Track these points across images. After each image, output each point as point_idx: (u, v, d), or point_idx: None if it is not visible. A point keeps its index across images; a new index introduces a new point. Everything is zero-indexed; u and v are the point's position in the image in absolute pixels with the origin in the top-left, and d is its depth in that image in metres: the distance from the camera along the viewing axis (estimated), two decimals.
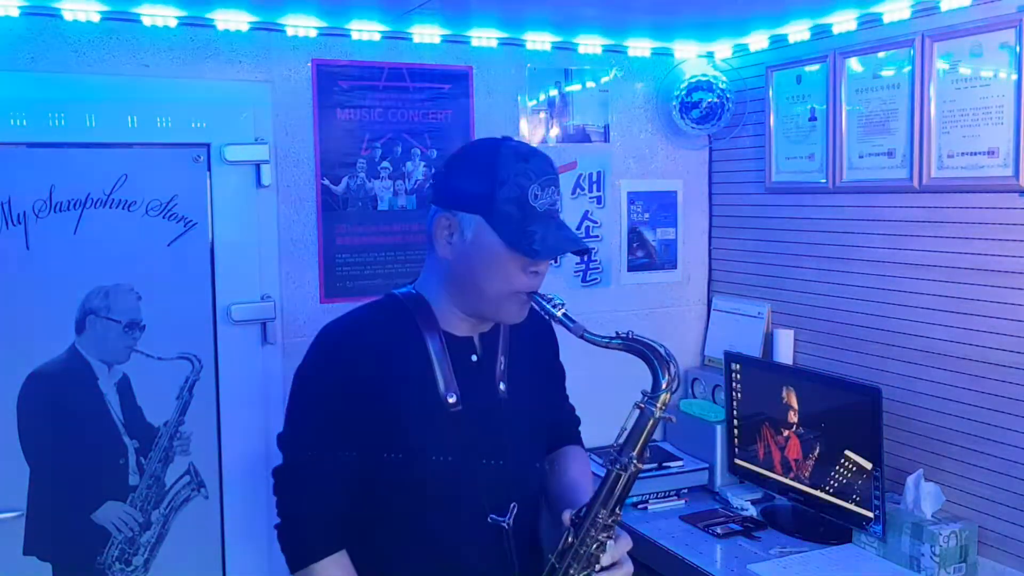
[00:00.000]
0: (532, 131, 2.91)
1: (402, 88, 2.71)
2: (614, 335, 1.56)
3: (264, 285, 2.55)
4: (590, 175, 3.02)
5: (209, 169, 2.46)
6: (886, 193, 2.49)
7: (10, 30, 2.27)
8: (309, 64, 2.59)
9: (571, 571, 1.54)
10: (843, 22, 2.57)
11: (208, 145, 2.45)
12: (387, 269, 2.72)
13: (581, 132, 3.00)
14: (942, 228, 2.35)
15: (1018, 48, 2.11)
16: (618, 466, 1.52)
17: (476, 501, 1.59)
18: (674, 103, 3.00)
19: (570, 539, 1.55)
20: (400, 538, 1.60)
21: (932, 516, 2.25)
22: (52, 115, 2.28)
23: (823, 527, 2.46)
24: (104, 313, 2.37)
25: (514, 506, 1.58)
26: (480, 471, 1.59)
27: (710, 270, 3.24)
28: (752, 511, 2.65)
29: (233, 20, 2.46)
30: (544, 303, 1.56)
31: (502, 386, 1.65)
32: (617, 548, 1.57)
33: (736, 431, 2.78)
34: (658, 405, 1.51)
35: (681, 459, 2.85)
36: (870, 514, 2.30)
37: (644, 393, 1.53)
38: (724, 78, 3.00)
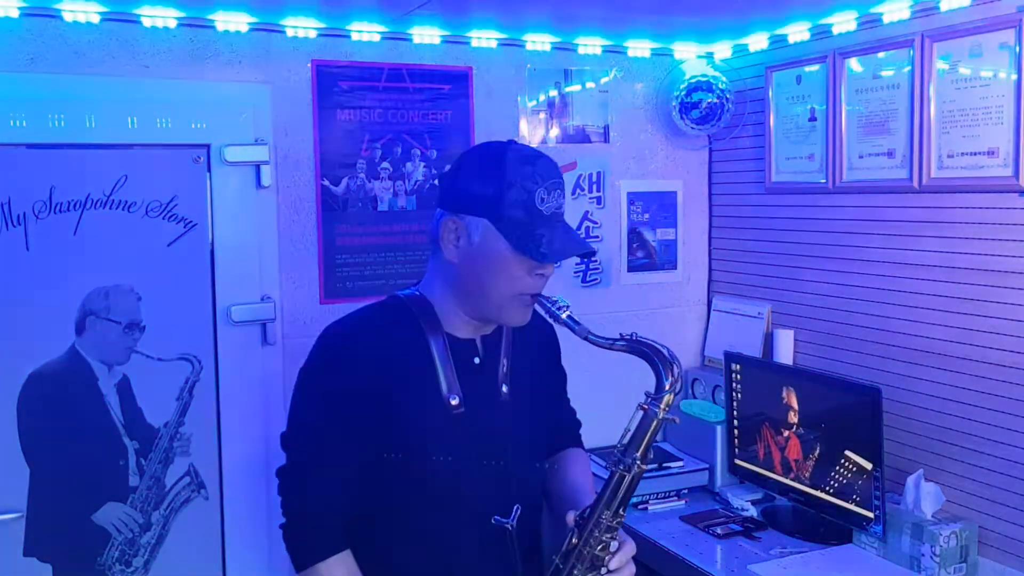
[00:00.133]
0: (532, 132, 2.91)
1: (402, 89, 2.71)
2: (618, 337, 1.57)
3: (264, 286, 2.55)
4: (590, 175, 3.02)
5: (209, 170, 2.46)
6: (886, 193, 2.49)
7: (10, 30, 2.27)
8: (309, 65, 2.59)
9: (575, 572, 1.55)
10: (843, 22, 2.57)
11: (208, 146, 2.45)
12: (387, 270, 2.72)
13: (581, 133, 3.00)
14: (942, 228, 2.35)
15: (1018, 48, 2.11)
16: (622, 467, 1.53)
17: (478, 502, 1.59)
18: (674, 103, 3.00)
19: (574, 540, 1.56)
20: (403, 539, 1.60)
21: (932, 516, 2.25)
22: (52, 116, 2.28)
23: (823, 527, 2.46)
24: (104, 314, 2.37)
25: (517, 507, 1.59)
26: (482, 472, 1.60)
27: (710, 270, 3.24)
28: (752, 511, 2.65)
29: (233, 21, 2.46)
30: (549, 305, 1.57)
31: (504, 388, 1.65)
32: (623, 553, 1.58)
33: (736, 431, 2.78)
34: (662, 406, 1.53)
35: (681, 459, 2.85)
36: (870, 514, 2.30)
37: (648, 394, 1.55)
38: (724, 78, 3.00)
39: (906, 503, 2.29)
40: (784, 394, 2.59)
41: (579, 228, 3.00)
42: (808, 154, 2.74)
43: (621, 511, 1.55)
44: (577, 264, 3.00)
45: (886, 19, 2.44)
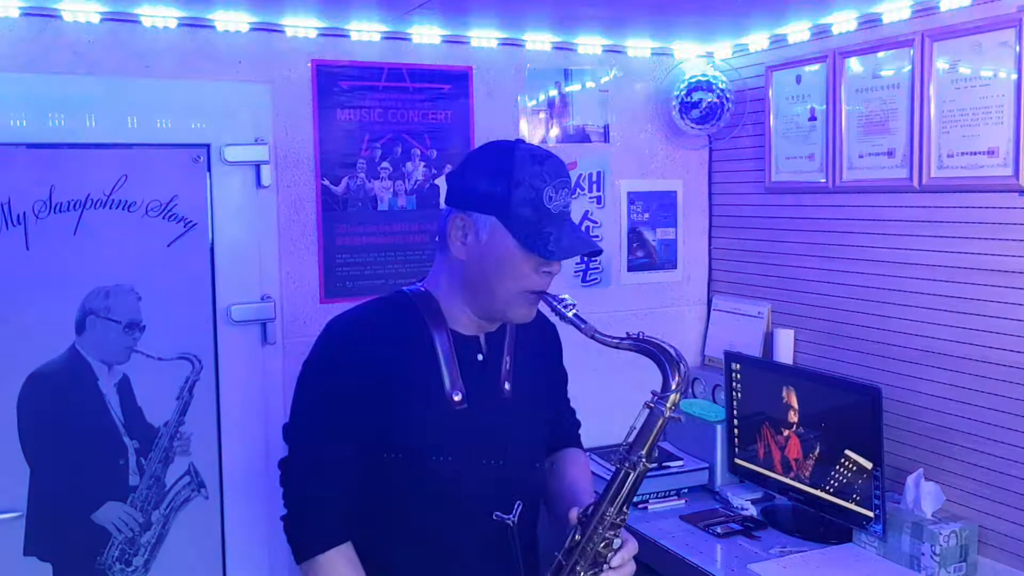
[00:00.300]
0: (532, 131, 2.91)
1: (402, 88, 2.71)
2: (624, 336, 1.57)
3: (264, 285, 2.55)
4: (590, 175, 3.02)
5: (209, 170, 2.46)
6: (886, 193, 2.49)
7: (10, 30, 2.27)
8: (309, 64, 2.59)
9: (578, 568, 1.56)
10: (843, 22, 2.57)
11: (208, 146, 2.45)
12: (387, 269, 2.73)
13: (581, 132, 3.00)
14: (942, 228, 2.35)
15: (1018, 48, 2.11)
16: (627, 464, 1.54)
17: (479, 499, 1.59)
18: (674, 103, 3.00)
19: (577, 537, 1.56)
20: (403, 536, 1.60)
21: (932, 516, 2.25)
22: (52, 115, 2.28)
23: (823, 527, 2.47)
24: (104, 313, 2.37)
25: (519, 504, 1.59)
26: (482, 471, 1.60)
27: (710, 270, 3.24)
28: (752, 511, 2.65)
29: (233, 21, 2.46)
30: (556, 304, 1.58)
31: (507, 386, 1.66)
32: (626, 550, 1.58)
33: (736, 431, 2.78)
34: (668, 405, 1.54)
35: (681, 459, 2.85)
36: (870, 514, 2.30)
37: (654, 393, 1.55)
38: (724, 78, 3.00)
39: (906, 502, 2.30)
40: (784, 393, 2.59)
41: (579, 227, 3.00)
42: (808, 154, 2.74)
43: (625, 508, 1.56)
44: (577, 263, 3.00)
45: (886, 19, 2.44)
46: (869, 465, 2.31)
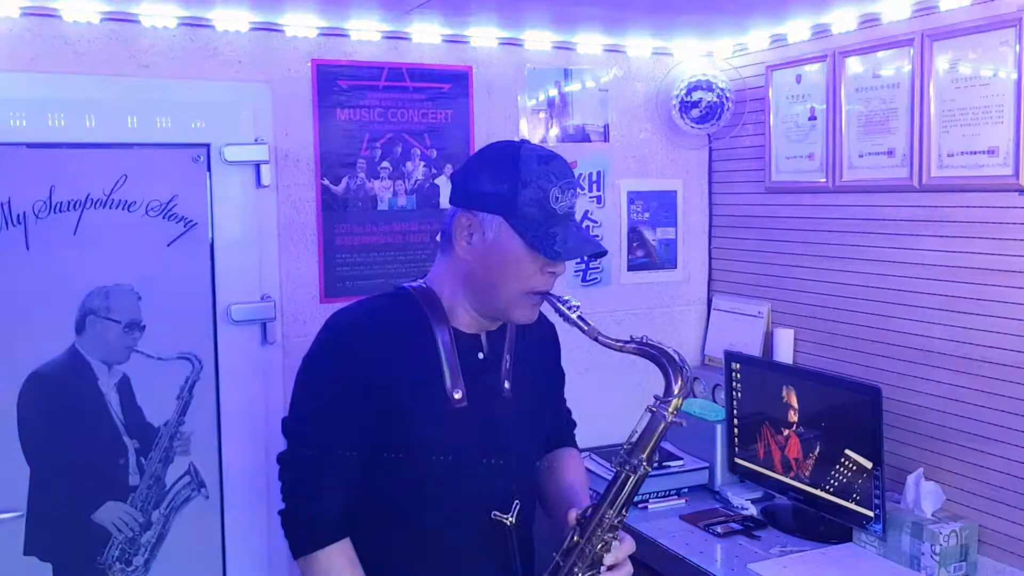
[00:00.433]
0: (532, 131, 2.91)
1: (402, 88, 2.71)
2: (628, 339, 1.57)
3: (264, 285, 2.55)
4: (590, 175, 3.02)
5: (209, 169, 2.46)
6: (886, 192, 2.49)
7: (10, 30, 2.27)
8: (309, 64, 2.59)
9: (576, 570, 1.56)
10: (843, 21, 2.57)
11: (208, 145, 2.45)
12: (387, 269, 2.72)
13: (581, 132, 3.00)
14: (942, 228, 2.35)
15: (1018, 48, 2.11)
16: (628, 467, 1.54)
17: (478, 497, 1.60)
18: (674, 102, 3.00)
19: (576, 538, 1.56)
20: (401, 532, 1.60)
21: (932, 515, 2.25)
22: (52, 115, 2.28)
23: (823, 526, 2.47)
24: (104, 313, 2.37)
25: (517, 503, 1.59)
26: (481, 468, 1.60)
27: (710, 270, 3.24)
28: (752, 510, 2.65)
29: (233, 20, 2.46)
30: (560, 305, 1.58)
31: (507, 385, 1.66)
32: (621, 549, 1.58)
33: (736, 430, 2.78)
34: (670, 410, 1.54)
35: (681, 458, 2.85)
36: (870, 513, 2.30)
37: (656, 397, 1.56)
38: (724, 77, 3.00)
39: (906, 502, 2.30)
40: (784, 393, 2.59)
41: (583, 228, 3.00)
42: (808, 153, 2.74)
43: (624, 511, 1.56)
44: (577, 263, 3.00)
45: (886, 18, 2.44)
46: (869, 465, 2.31)
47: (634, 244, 3.11)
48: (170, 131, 2.40)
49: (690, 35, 2.89)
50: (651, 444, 1.54)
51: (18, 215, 2.27)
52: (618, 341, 1.57)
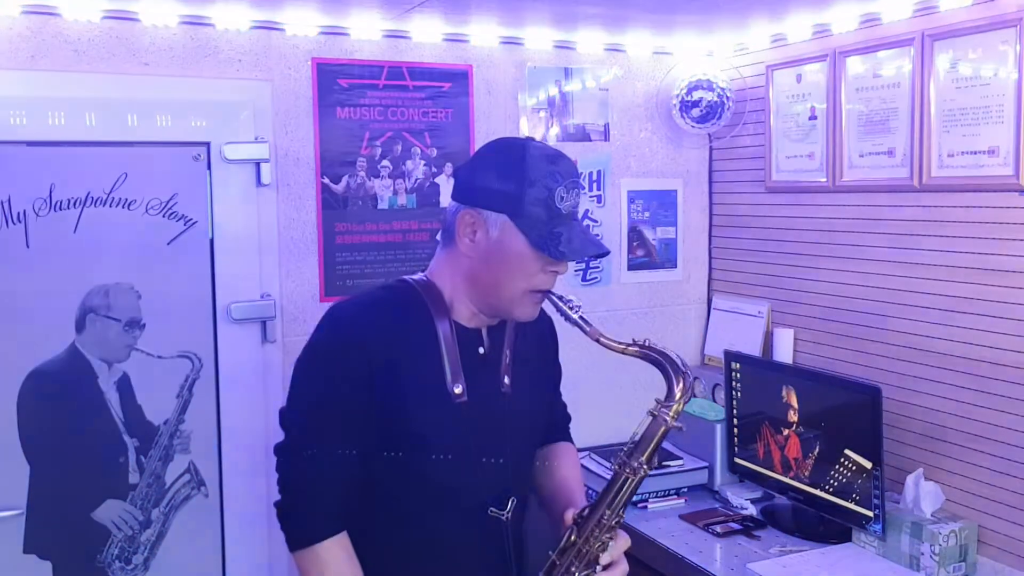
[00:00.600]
0: (532, 130, 2.91)
1: (402, 87, 2.71)
2: (630, 342, 1.57)
3: (264, 283, 2.55)
4: (590, 174, 3.02)
5: (209, 168, 2.46)
6: (886, 192, 2.49)
7: (10, 29, 2.27)
8: (309, 62, 2.59)
9: (572, 569, 1.56)
10: (843, 21, 2.57)
11: (208, 144, 2.45)
12: (387, 268, 2.72)
13: (581, 131, 3.00)
14: (942, 228, 2.35)
15: (1018, 48, 2.11)
16: (627, 470, 1.55)
17: (475, 493, 1.60)
18: (674, 102, 3.00)
19: (572, 537, 1.56)
20: (398, 526, 1.60)
21: (932, 515, 2.25)
22: (52, 113, 2.28)
23: (823, 526, 2.47)
24: (104, 311, 2.37)
25: (514, 500, 1.59)
26: (481, 464, 1.60)
27: (710, 269, 3.24)
28: (752, 510, 2.65)
29: (233, 19, 2.46)
30: (561, 304, 1.58)
31: (506, 380, 1.66)
32: (617, 547, 1.58)
33: (736, 430, 2.78)
34: (671, 414, 1.55)
35: (681, 458, 2.85)
36: (870, 513, 2.31)
37: (657, 401, 1.56)
38: (724, 77, 3.00)
39: (905, 502, 2.30)
40: (784, 393, 2.59)
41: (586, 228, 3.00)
42: (808, 153, 2.74)
43: (622, 512, 1.56)
44: (578, 262, 3.00)
45: (886, 18, 2.44)
46: (869, 465, 2.31)
47: (634, 243, 3.11)
48: (170, 129, 2.40)
49: (690, 34, 2.89)
50: (651, 447, 1.55)
51: (18, 213, 2.27)
52: (620, 343, 1.57)
